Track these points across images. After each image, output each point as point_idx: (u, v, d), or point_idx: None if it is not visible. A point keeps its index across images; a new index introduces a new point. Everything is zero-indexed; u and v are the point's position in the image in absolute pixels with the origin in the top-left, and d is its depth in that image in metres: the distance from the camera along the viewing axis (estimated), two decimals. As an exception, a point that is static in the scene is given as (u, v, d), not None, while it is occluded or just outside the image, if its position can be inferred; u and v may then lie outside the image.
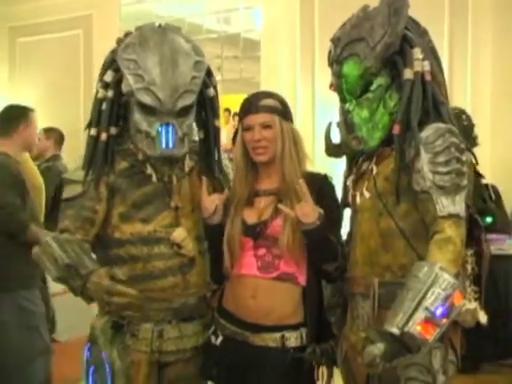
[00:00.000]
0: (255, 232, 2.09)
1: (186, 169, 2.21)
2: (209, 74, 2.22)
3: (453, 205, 1.82)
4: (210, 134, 2.26)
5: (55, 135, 5.17)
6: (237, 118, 2.16)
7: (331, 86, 2.08)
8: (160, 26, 2.16)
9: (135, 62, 2.06)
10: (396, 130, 1.91)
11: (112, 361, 2.04)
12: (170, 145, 2.08)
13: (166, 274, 2.11)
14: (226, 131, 9.36)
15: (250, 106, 2.12)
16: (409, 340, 1.67)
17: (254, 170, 2.16)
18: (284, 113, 2.13)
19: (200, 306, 2.21)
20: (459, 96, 5.06)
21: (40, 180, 3.97)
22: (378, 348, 1.69)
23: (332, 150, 2.16)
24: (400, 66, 1.93)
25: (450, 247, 1.78)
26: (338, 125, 2.05)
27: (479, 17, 5.45)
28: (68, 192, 2.14)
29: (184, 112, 2.10)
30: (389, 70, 1.96)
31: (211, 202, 2.12)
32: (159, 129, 2.06)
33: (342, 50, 2.00)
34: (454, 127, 1.92)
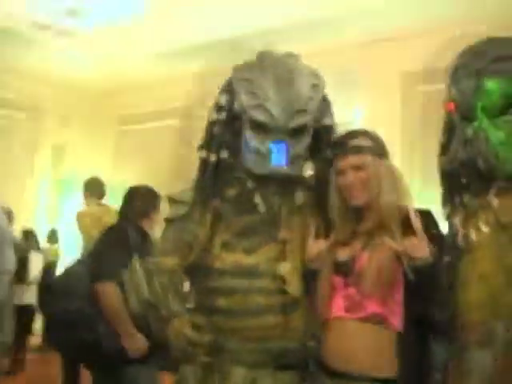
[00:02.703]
0: (345, 269, 1.89)
1: (297, 202, 2.03)
2: (326, 101, 2.08)
3: None
4: (324, 167, 2.04)
5: None
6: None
7: (449, 103, 1.90)
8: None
9: (250, 80, 1.98)
10: None
11: None
12: (282, 162, 1.91)
13: (265, 311, 1.90)
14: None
15: (339, 148, 1.95)
16: None
17: (354, 211, 1.95)
18: (377, 150, 1.93)
19: (301, 353, 1.94)
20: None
21: None
22: None
23: (455, 170, 1.92)
24: None
25: None
26: (469, 142, 1.84)
27: None
28: (171, 212, 2.09)
29: (298, 132, 1.95)
30: None
31: (316, 246, 1.92)
32: (271, 146, 1.91)
33: (489, 63, 1.83)
34: None
